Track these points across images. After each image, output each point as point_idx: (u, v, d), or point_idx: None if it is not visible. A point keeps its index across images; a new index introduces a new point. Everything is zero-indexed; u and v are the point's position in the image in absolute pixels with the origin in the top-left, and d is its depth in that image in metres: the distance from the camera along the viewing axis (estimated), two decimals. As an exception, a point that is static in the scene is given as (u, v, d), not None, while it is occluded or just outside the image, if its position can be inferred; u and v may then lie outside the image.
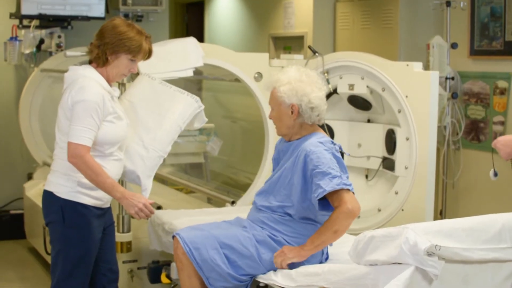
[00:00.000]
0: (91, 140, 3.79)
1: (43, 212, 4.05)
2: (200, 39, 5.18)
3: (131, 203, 3.87)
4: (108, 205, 4.10)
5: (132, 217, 4.57)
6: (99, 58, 3.93)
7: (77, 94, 3.79)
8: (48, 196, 3.95)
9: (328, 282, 3.34)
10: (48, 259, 6.25)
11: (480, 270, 2.99)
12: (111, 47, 3.90)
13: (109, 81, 3.98)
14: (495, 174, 3.89)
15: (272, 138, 5.44)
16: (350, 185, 3.68)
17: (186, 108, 4.59)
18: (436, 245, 2.85)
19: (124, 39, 3.90)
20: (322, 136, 3.95)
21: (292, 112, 3.89)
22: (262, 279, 3.79)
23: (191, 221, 4.41)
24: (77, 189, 3.89)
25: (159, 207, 5.29)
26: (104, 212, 4.07)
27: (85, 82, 3.85)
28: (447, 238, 2.90)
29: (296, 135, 3.98)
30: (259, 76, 5.38)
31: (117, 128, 3.93)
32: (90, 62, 4.01)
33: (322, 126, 5.25)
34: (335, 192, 3.63)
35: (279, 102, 3.92)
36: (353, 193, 3.69)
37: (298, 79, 3.87)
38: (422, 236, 2.86)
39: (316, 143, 3.82)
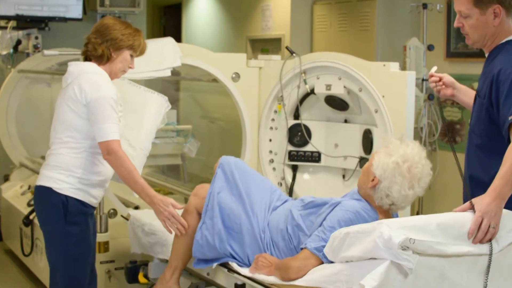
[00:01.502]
0: (119, 134, 3.84)
1: (38, 208, 4.03)
2: (178, 41, 5.17)
3: (160, 209, 3.87)
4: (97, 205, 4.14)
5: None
6: (103, 55, 3.96)
7: (94, 90, 3.82)
8: (45, 191, 3.90)
9: (303, 279, 3.35)
10: (25, 260, 6.23)
11: (455, 264, 3.01)
12: (115, 42, 3.97)
13: (111, 78, 4.02)
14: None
15: (249, 137, 5.45)
16: None
17: (159, 108, 4.69)
18: (410, 238, 2.86)
19: (126, 34, 3.99)
20: None
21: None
22: (238, 272, 3.76)
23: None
24: (78, 186, 3.89)
25: (136, 207, 5.28)
26: (93, 212, 4.09)
27: (98, 78, 3.90)
28: (421, 233, 2.92)
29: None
30: (236, 77, 5.39)
31: (121, 127, 4.00)
32: (85, 60, 4.03)
33: (299, 126, 5.30)
34: None
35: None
36: None
37: None
38: (396, 231, 2.87)
39: None
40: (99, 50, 3.96)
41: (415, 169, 3.49)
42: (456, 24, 3.46)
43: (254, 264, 3.71)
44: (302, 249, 3.52)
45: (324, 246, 3.37)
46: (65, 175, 3.88)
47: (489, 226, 3.05)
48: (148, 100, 4.66)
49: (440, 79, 3.77)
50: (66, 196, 3.86)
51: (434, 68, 3.83)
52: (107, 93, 3.83)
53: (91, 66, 3.97)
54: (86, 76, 3.89)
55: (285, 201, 4.03)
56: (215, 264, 3.89)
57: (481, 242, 3.06)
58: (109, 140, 3.79)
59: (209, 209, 3.92)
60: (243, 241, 3.84)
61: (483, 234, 3.05)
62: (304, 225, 3.67)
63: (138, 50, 4.08)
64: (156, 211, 3.89)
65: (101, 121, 3.79)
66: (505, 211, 3.11)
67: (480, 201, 3.08)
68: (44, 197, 3.93)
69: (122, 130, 4.01)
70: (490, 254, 3.06)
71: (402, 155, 3.51)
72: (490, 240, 3.07)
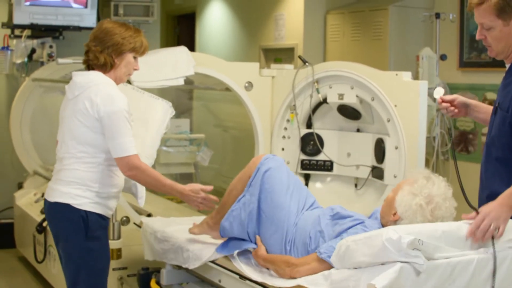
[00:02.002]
0: (135, 147, 3.79)
1: (58, 225, 3.90)
2: (192, 50, 5.19)
3: (192, 198, 3.92)
4: None
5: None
6: (106, 64, 3.85)
7: (108, 104, 3.73)
8: (63, 208, 3.80)
9: (311, 285, 3.35)
10: (39, 267, 6.26)
11: (463, 270, 3.04)
12: (116, 48, 3.85)
13: (116, 83, 3.93)
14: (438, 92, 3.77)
15: (262, 146, 5.47)
16: None
17: (164, 114, 4.66)
18: (419, 239, 2.88)
19: (126, 37, 3.87)
20: None
21: None
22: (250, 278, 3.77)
23: (182, 229, 4.42)
24: (96, 199, 3.81)
25: (149, 215, 5.29)
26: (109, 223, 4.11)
27: (109, 88, 3.80)
28: (428, 239, 2.95)
29: None
30: (249, 86, 5.41)
31: None
32: (88, 69, 3.93)
33: (311, 135, 5.31)
34: None
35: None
36: None
37: None
38: (403, 234, 2.90)
39: None
40: (101, 59, 3.84)
41: (438, 211, 3.44)
42: (478, 36, 3.41)
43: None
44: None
45: None
46: (82, 189, 3.79)
47: (490, 226, 3.05)
48: (152, 106, 4.63)
49: (451, 103, 3.70)
50: (86, 212, 3.78)
51: (440, 92, 3.70)
52: (121, 106, 3.73)
53: (98, 76, 3.85)
54: (96, 88, 3.77)
55: (316, 207, 4.03)
56: (235, 252, 3.90)
57: (482, 240, 3.07)
58: (129, 156, 3.74)
59: (253, 184, 3.96)
60: (269, 227, 3.86)
61: (482, 233, 3.06)
62: (326, 233, 3.67)
63: (140, 51, 3.95)
64: (188, 201, 3.93)
65: (118, 136, 3.72)
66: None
67: (486, 206, 3.09)
68: (63, 214, 3.81)
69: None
70: (495, 261, 3.09)
71: (427, 196, 3.45)
72: (492, 239, 3.08)
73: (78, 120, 3.79)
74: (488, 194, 3.40)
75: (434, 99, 6.28)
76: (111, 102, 3.74)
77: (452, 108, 3.70)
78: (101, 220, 3.87)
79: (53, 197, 3.86)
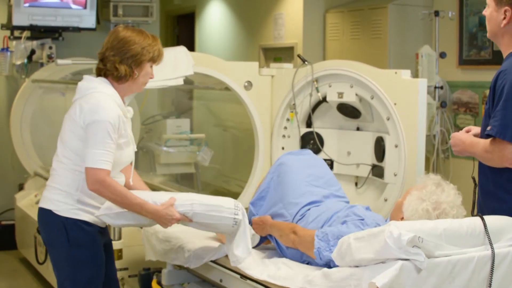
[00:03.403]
0: (110, 164, 3.60)
1: (43, 232, 3.83)
2: (191, 50, 5.18)
3: (165, 220, 3.72)
4: None
5: None
6: (126, 75, 3.73)
7: (93, 112, 3.60)
8: (46, 214, 3.73)
9: (311, 284, 3.36)
10: (40, 268, 6.26)
11: (463, 268, 3.05)
12: (136, 59, 3.72)
13: (124, 95, 3.82)
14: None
15: (262, 145, 5.47)
16: None
17: None
18: (419, 237, 2.89)
19: (146, 46, 3.75)
20: None
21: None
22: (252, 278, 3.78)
23: (183, 230, 4.42)
24: (77, 206, 3.69)
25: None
26: (104, 228, 3.92)
27: (101, 98, 3.65)
28: (429, 236, 2.96)
29: None
30: (249, 85, 5.41)
31: (123, 154, 3.76)
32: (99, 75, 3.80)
33: (311, 134, 5.32)
34: None
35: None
36: None
37: None
38: (404, 231, 2.92)
39: None
40: (121, 70, 3.71)
41: (445, 217, 3.43)
42: (484, 11, 3.56)
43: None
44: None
45: (328, 245, 3.49)
46: (62, 195, 3.69)
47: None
48: None
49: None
50: (66, 218, 3.68)
51: None
52: (107, 118, 3.58)
53: (102, 84, 3.72)
54: (90, 95, 3.66)
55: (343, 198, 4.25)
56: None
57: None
58: (96, 168, 3.56)
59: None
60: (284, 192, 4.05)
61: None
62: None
63: (158, 60, 3.85)
64: (161, 222, 3.75)
65: (92, 146, 3.57)
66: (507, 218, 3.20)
67: (465, 136, 3.53)
68: (46, 219, 3.75)
69: (120, 158, 3.75)
70: (493, 258, 3.11)
71: (434, 203, 3.45)
72: (489, 238, 3.14)
73: (67, 125, 3.71)
74: (480, 184, 3.57)
75: (447, 149, 6.33)
76: (97, 111, 3.60)
77: None
78: (86, 226, 3.72)
79: (41, 203, 3.81)
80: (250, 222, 4.10)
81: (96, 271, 3.79)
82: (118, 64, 3.71)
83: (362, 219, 3.63)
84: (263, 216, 4.03)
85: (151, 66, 3.84)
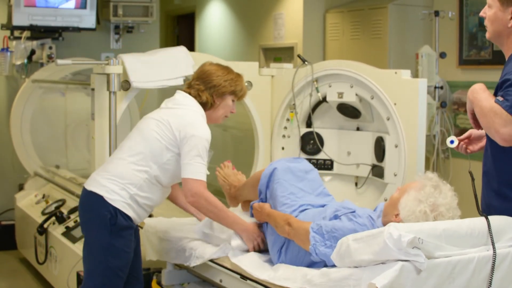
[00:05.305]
0: (205, 176, 3.91)
1: (86, 214, 4.02)
2: (191, 51, 5.20)
3: (251, 237, 3.99)
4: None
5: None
6: (207, 102, 4.09)
7: (194, 127, 3.92)
8: (96, 198, 3.91)
9: (310, 284, 3.36)
10: (40, 269, 6.26)
11: (463, 268, 3.05)
12: (217, 89, 4.09)
13: (211, 122, 4.15)
14: (451, 142, 3.81)
15: (262, 145, 5.47)
16: None
17: None
18: (419, 238, 2.89)
19: (229, 80, 4.12)
20: None
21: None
22: (252, 278, 3.78)
23: (184, 229, 4.43)
24: (129, 201, 3.92)
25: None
26: (137, 228, 4.16)
27: (198, 116, 4.01)
28: (428, 237, 2.96)
29: None
30: (248, 85, 5.40)
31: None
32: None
33: (311, 134, 5.31)
34: None
35: None
36: None
37: None
38: (404, 232, 2.91)
39: None
40: (203, 97, 4.06)
41: (441, 219, 3.42)
42: (481, 13, 3.50)
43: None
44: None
45: (323, 240, 3.48)
46: (119, 187, 3.90)
47: None
48: None
49: (468, 139, 3.73)
50: (116, 209, 3.88)
51: (453, 143, 3.74)
52: (203, 134, 3.92)
53: (196, 105, 4.06)
54: (187, 109, 4.01)
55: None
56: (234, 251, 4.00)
57: None
58: (197, 180, 3.87)
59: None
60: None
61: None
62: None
63: (239, 95, 4.19)
64: (247, 239, 3.99)
65: (195, 158, 3.87)
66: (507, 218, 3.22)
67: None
68: (93, 204, 3.93)
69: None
70: (494, 258, 3.12)
71: (432, 205, 3.43)
72: (492, 237, 3.13)
73: (156, 125, 3.96)
74: (485, 171, 3.49)
75: (447, 148, 6.31)
76: (198, 127, 3.93)
77: (466, 140, 3.75)
78: (129, 221, 3.94)
79: (90, 186, 3.97)
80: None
81: (126, 263, 3.99)
82: (202, 92, 4.09)
83: (354, 211, 3.64)
84: (262, 203, 4.03)
85: (233, 100, 4.19)
